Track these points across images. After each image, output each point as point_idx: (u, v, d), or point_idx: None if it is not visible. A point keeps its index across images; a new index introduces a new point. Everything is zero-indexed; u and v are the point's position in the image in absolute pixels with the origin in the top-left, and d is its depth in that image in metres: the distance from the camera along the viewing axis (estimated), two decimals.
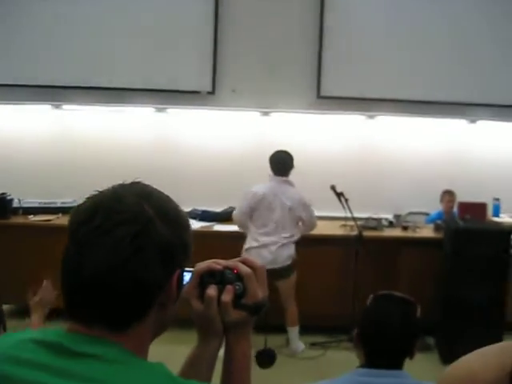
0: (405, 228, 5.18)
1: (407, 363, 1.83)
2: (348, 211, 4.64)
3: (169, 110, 5.92)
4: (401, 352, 1.80)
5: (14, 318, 3.69)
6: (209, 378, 1.08)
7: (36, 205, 5.22)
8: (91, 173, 4.99)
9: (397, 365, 1.78)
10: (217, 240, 4.69)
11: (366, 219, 5.13)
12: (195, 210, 5.33)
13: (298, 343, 4.57)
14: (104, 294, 0.87)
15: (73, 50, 5.61)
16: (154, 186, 0.98)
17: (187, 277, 1.00)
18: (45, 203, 5.24)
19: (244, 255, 4.36)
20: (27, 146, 5.80)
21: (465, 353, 0.79)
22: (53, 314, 2.37)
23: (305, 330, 4.61)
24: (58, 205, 5.17)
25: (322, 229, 4.95)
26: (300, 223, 4.49)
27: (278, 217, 4.36)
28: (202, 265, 1.04)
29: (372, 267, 4.77)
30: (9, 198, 5.07)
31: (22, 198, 5.21)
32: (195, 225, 4.98)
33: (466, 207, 5.04)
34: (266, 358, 1.38)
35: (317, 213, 4.58)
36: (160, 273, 0.90)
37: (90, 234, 0.87)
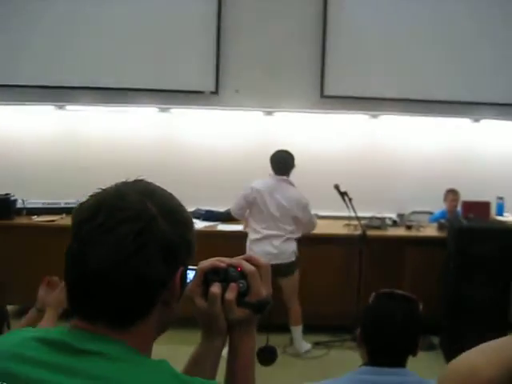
0: (408, 227, 5.17)
1: (411, 362, 1.82)
2: (352, 210, 4.64)
3: (172, 110, 5.92)
4: (403, 350, 1.80)
5: (18, 318, 3.69)
6: (213, 376, 1.08)
7: (40, 205, 5.23)
8: (95, 173, 4.98)
9: (400, 363, 1.78)
10: (221, 240, 4.69)
11: (370, 218, 5.13)
12: (199, 209, 5.33)
13: (303, 343, 4.56)
14: (107, 292, 0.87)
15: (76, 50, 5.61)
16: None
17: (191, 275, 1.00)
18: (48, 204, 5.24)
19: (248, 248, 4.37)
20: (31, 147, 5.82)
21: None
22: (64, 315, 2.37)
23: (308, 330, 4.61)
24: (62, 205, 5.16)
25: (326, 228, 4.96)
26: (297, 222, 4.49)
27: (274, 213, 4.37)
28: (206, 263, 1.04)
29: (376, 266, 4.77)
30: (12, 198, 5.08)
31: (26, 198, 5.21)
32: (199, 224, 4.99)
33: (469, 206, 5.03)
34: (267, 355, 1.37)
35: (320, 212, 4.58)
36: (163, 270, 0.90)
37: (93, 231, 0.87)
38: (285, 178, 4.46)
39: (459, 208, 5.21)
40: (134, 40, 5.64)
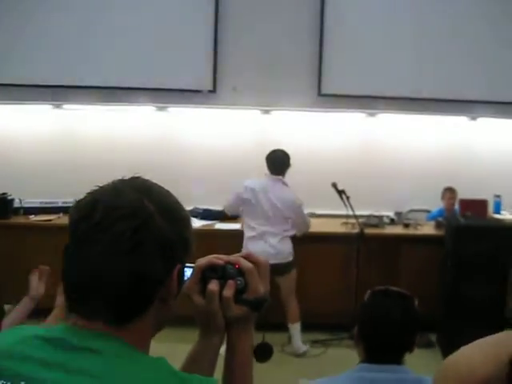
0: (406, 225, 5.18)
1: (409, 359, 1.83)
2: (349, 209, 4.64)
3: (170, 109, 5.91)
4: (400, 346, 1.80)
5: None
6: (211, 373, 1.08)
7: (37, 205, 5.23)
8: (92, 172, 4.94)
9: (396, 359, 1.78)
10: (218, 238, 4.69)
11: (368, 217, 5.13)
12: (196, 208, 5.33)
13: (301, 344, 4.55)
14: (104, 289, 0.87)
15: (73, 49, 5.59)
16: None
17: (188, 272, 1.00)
18: (46, 203, 5.24)
19: (244, 246, 4.37)
20: (28, 146, 5.80)
21: None
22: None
23: (306, 328, 4.62)
24: (59, 204, 5.16)
25: (324, 226, 4.96)
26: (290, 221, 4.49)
27: (267, 212, 4.38)
28: (203, 260, 1.04)
29: (373, 265, 4.77)
30: (10, 197, 5.08)
31: (23, 197, 5.21)
32: (197, 223, 4.99)
33: (467, 204, 5.04)
34: (263, 352, 1.37)
35: (318, 210, 4.58)
36: (160, 267, 0.90)
37: (89, 230, 0.87)
38: (280, 177, 4.46)
39: (457, 206, 5.22)
40: (132, 39, 5.62)
